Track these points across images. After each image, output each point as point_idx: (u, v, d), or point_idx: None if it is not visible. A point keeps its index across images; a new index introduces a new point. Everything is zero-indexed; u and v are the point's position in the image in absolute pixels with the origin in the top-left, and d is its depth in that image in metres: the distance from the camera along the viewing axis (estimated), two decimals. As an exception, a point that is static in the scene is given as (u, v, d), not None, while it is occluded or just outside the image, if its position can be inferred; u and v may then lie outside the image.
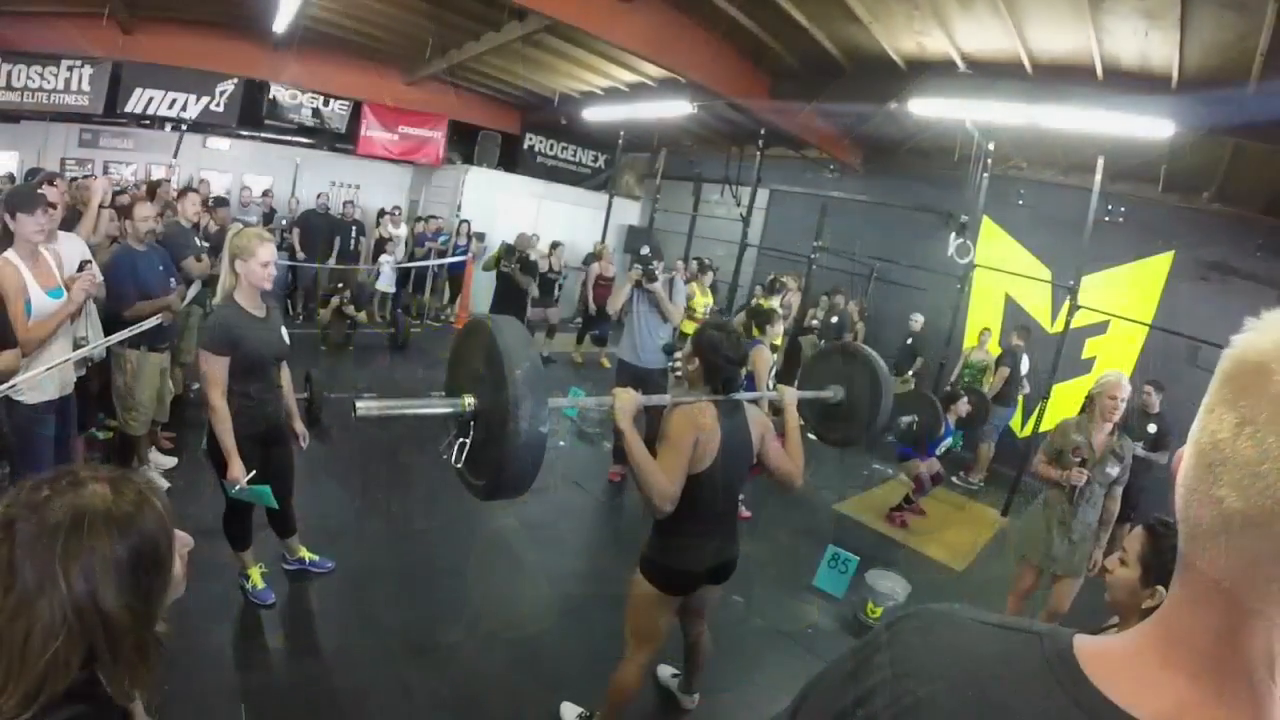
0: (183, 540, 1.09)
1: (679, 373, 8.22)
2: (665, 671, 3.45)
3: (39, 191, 3.19)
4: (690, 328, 7.24)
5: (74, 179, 6.96)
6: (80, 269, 3.39)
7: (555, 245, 10.14)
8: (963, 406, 6.29)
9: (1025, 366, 7.75)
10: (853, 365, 3.46)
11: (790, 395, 2.99)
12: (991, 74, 6.00)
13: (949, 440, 6.08)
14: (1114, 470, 3.65)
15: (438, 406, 2.04)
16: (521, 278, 8.71)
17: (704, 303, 8.08)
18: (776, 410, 3.28)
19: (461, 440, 2.03)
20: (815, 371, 3.64)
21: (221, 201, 7.46)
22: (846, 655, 0.73)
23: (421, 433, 6.24)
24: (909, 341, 8.90)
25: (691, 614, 2.95)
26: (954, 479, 7.56)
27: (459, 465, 2.06)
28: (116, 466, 1.06)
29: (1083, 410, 3.87)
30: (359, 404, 1.88)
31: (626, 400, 2.36)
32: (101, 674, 0.93)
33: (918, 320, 8.83)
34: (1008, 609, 4.06)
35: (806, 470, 2.89)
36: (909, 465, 6.03)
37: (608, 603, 3.60)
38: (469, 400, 1.99)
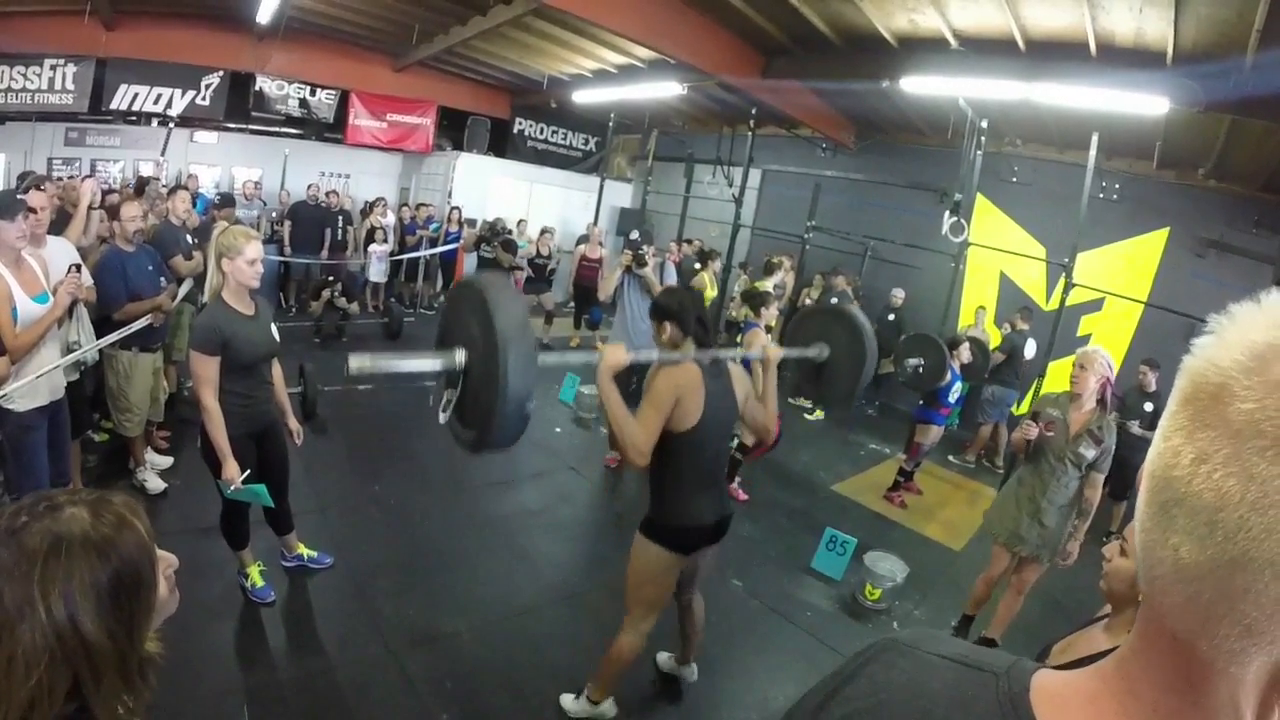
0: (167, 560, 1.09)
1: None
2: (663, 657, 3.48)
3: (20, 197, 3.15)
4: None
5: (60, 179, 6.90)
6: (69, 273, 3.35)
7: (544, 230, 10.10)
8: (965, 353, 6.13)
9: (1031, 349, 7.51)
10: (838, 324, 3.49)
11: (774, 353, 3.07)
12: (984, 51, 5.94)
13: (958, 385, 6.00)
14: (1089, 452, 3.51)
15: (429, 361, 2.05)
16: (505, 256, 8.66)
17: (712, 296, 7.70)
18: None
19: (450, 394, 2.05)
20: (801, 330, 3.66)
21: (228, 199, 7.41)
22: (823, 683, 0.72)
23: (418, 423, 6.26)
24: (890, 318, 8.76)
25: (685, 577, 2.99)
26: (950, 458, 7.59)
27: (446, 416, 2.08)
28: (96, 489, 1.04)
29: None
30: (352, 359, 1.89)
31: (613, 356, 2.42)
32: (89, 700, 0.93)
33: (899, 295, 8.76)
34: (976, 591, 4.06)
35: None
36: (924, 430, 5.97)
37: (607, 588, 3.63)
38: (460, 355, 1.99)
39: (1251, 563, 0.41)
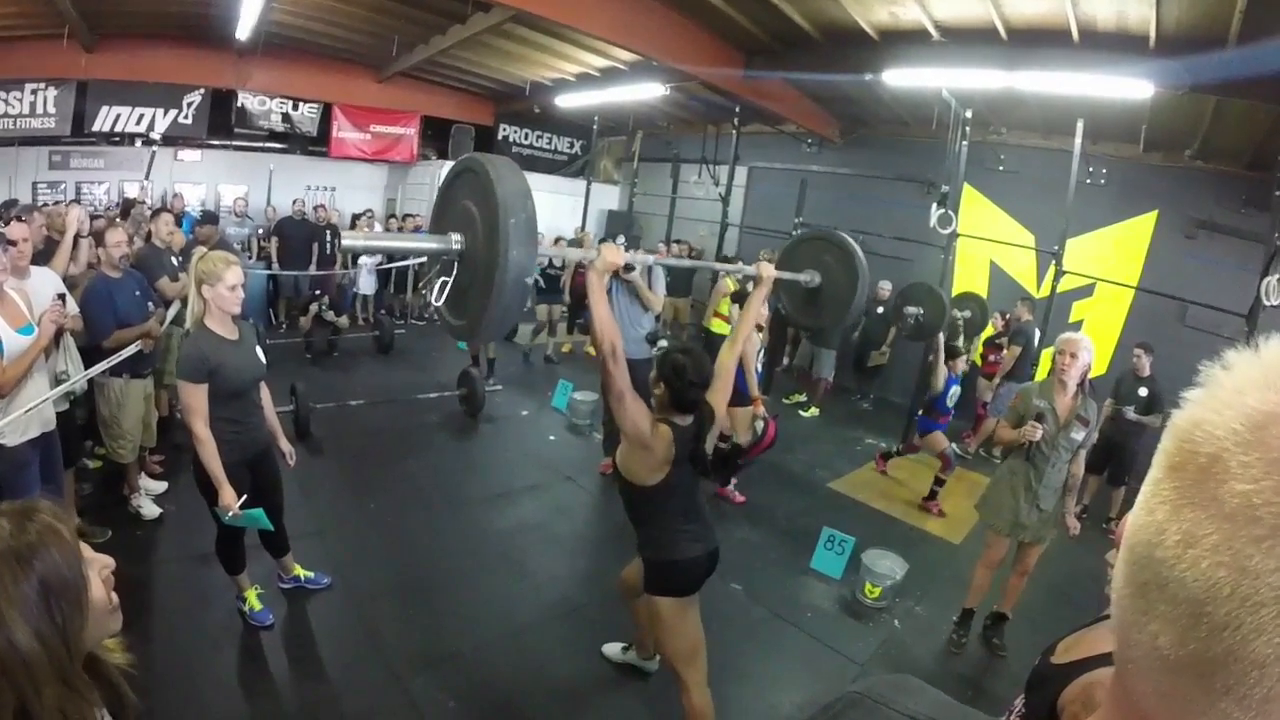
0: (101, 561, 1.09)
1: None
2: (614, 649, 3.52)
3: (-2, 230, 3.13)
4: (723, 328, 7.09)
5: (45, 205, 6.86)
6: (53, 302, 3.32)
7: (558, 239, 10.00)
8: (962, 364, 6.18)
9: (1037, 338, 7.35)
10: (831, 253, 3.50)
11: (769, 273, 3.11)
12: (966, 41, 5.92)
13: (955, 389, 5.97)
14: (1079, 435, 3.58)
15: (425, 243, 2.04)
16: None
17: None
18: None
19: (444, 280, 2.02)
20: (794, 257, 3.66)
21: (210, 217, 7.34)
22: None
23: (413, 438, 6.23)
24: (880, 311, 8.64)
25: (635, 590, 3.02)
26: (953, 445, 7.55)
27: (439, 303, 2.06)
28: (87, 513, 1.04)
29: (1049, 375, 3.77)
30: (345, 237, 2.02)
31: (610, 255, 2.43)
32: (33, 714, 0.92)
33: (885, 288, 8.66)
34: (976, 580, 4.02)
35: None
36: (933, 439, 5.95)
37: (607, 601, 3.61)
38: (456, 239, 1.95)
39: (1238, 663, 0.37)
